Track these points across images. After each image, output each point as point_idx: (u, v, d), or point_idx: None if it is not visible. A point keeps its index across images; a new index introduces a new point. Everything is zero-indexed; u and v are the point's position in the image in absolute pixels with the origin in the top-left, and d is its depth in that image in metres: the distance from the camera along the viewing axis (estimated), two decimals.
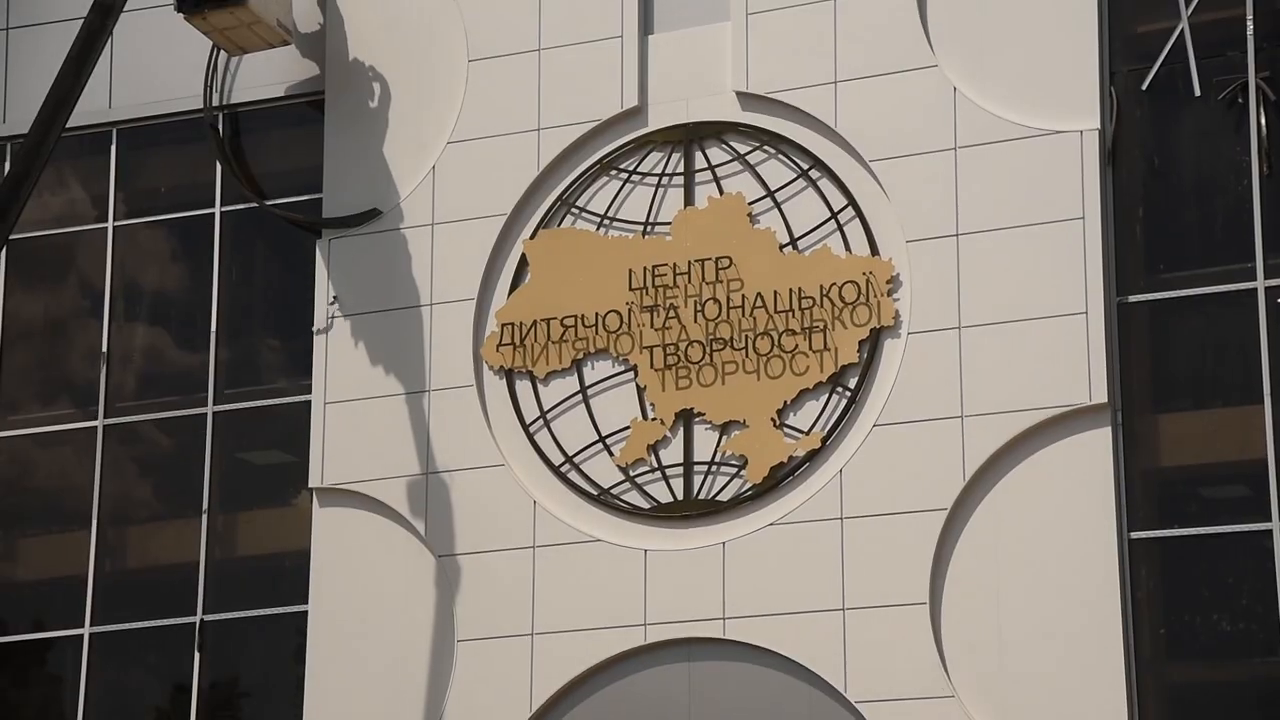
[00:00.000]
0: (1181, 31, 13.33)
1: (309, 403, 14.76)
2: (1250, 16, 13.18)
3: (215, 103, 15.44)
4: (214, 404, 15.20)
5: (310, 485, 14.67)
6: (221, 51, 15.31)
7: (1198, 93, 13.27)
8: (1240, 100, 13.17)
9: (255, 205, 15.30)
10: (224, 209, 15.51)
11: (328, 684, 14.30)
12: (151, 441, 15.46)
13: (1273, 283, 12.96)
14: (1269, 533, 12.68)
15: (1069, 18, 13.46)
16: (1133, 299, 13.22)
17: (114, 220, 15.84)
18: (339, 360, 14.77)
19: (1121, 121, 13.37)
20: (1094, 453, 12.94)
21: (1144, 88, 13.41)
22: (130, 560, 15.37)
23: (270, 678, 14.77)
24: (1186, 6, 13.36)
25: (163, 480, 15.37)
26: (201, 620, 14.79)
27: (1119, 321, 13.14)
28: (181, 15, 14.68)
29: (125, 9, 13.94)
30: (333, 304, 14.65)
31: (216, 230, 15.51)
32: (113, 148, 15.87)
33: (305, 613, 14.47)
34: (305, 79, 15.36)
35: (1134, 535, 12.91)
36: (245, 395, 15.19)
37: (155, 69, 15.67)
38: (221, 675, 14.88)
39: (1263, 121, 13.07)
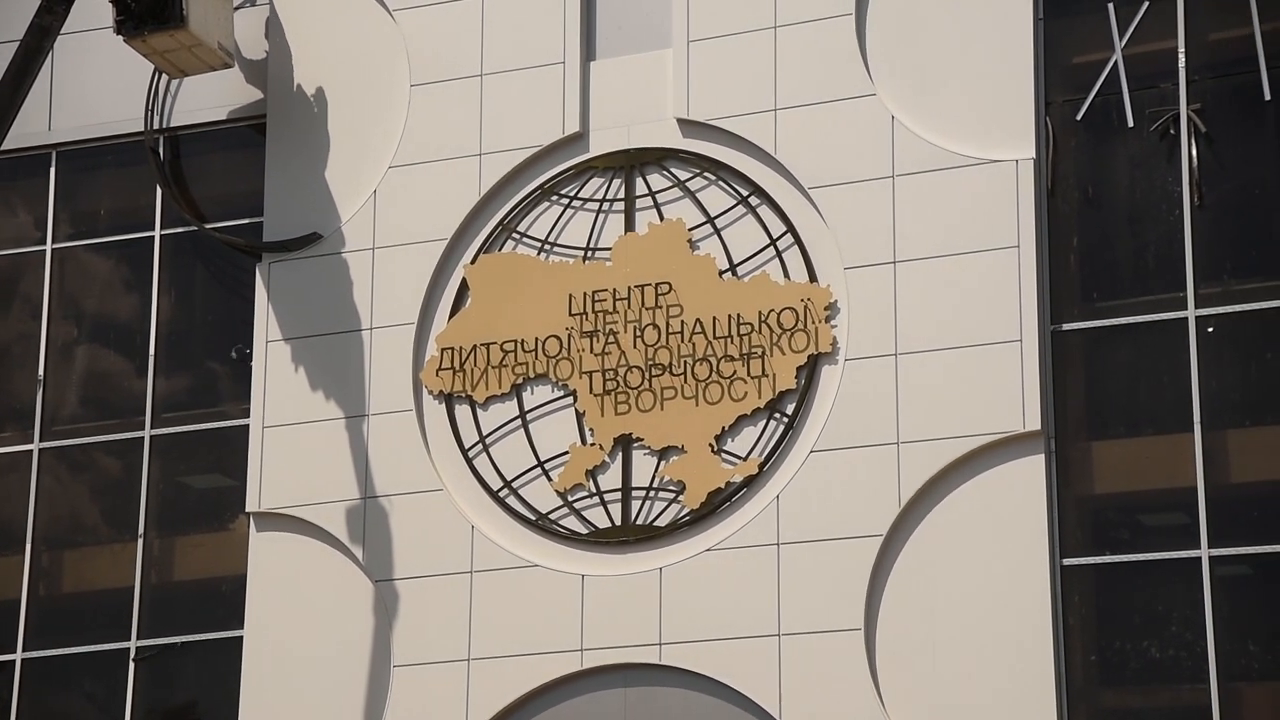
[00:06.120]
0: (1115, 63, 13.50)
1: (248, 426, 14.72)
2: (1182, 49, 13.36)
3: (156, 125, 15.40)
4: (151, 427, 15.13)
5: (247, 509, 14.62)
6: (162, 74, 15.29)
7: (1131, 124, 13.42)
8: (1172, 131, 13.33)
9: (195, 228, 15.27)
10: (164, 232, 15.48)
11: (263, 709, 14.22)
12: (89, 465, 15.37)
13: (1204, 312, 13.10)
14: (1199, 560, 12.79)
15: (1006, 48, 13.60)
16: (1066, 327, 13.33)
17: (53, 243, 15.77)
18: (278, 384, 14.73)
19: (1056, 151, 13.51)
20: (1027, 479, 13.03)
21: (1079, 118, 13.56)
22: (65, 584, 15.27)
23: (206, 703, 14.68)
24: (1120, 38, 13.53)
25: (99, 504, 15.28)
26: (135, 645, 14.73)
27: (1053, 349, 13.25)
28: (121, 38, 14.65)
29: (64, 31, 13.93)
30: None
31: (156, 253, 15.47)
32: (52, 170, 15.81)
33: (241, 638, 14.39)
34: (247, 102, 15.35)
35: (1066, 561, 12.99)
36: (184, 419, 15.13)
37: (95, 91, 15.64)
38: (157, 701, 14.78)
39: (1194, 153, 13.23)
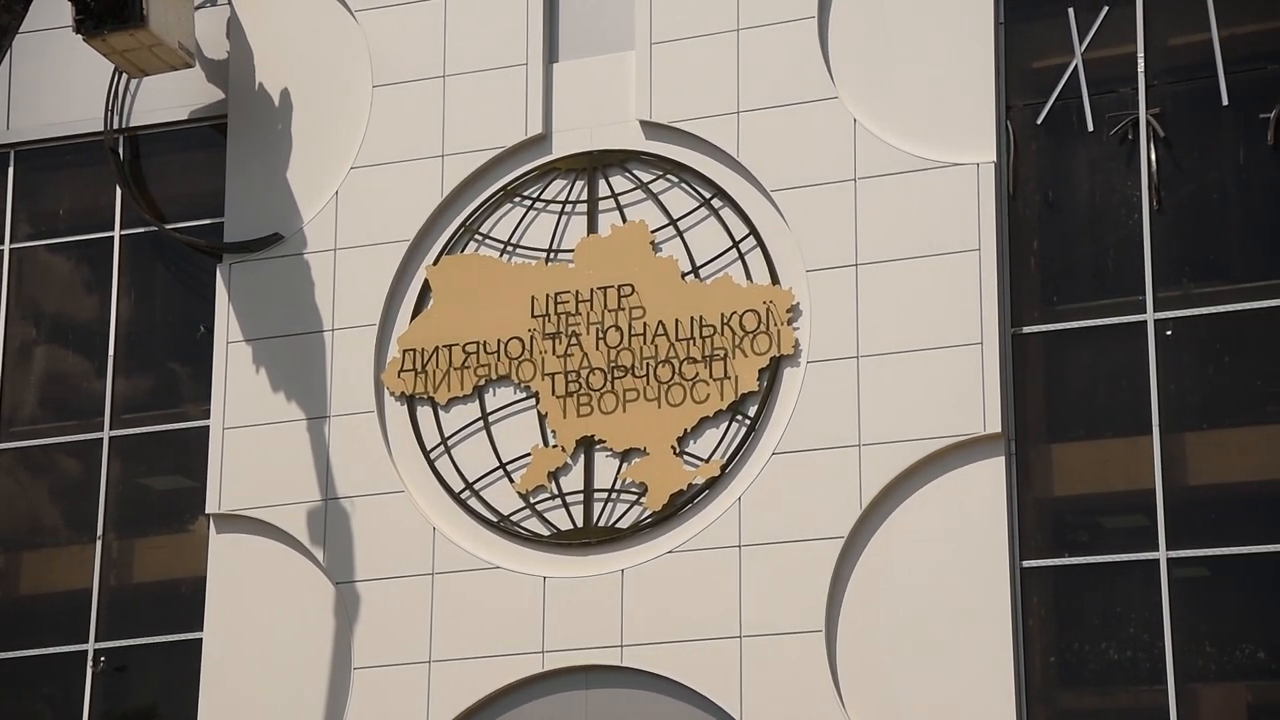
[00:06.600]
0: (1075, 67, 13.58)
1: (208, 428, 14.66)
2: (1141, 54, 13.46)
3: (116, 125, 15.33)
4: (110, 428, 15.06)
5: (207, 511, 14.57)
6: (122, 74, 15.22)
7: (1091, 128, 13.51)
8: (1131, 135, 13.42)
9: (155, 229, 15.20)
10: (124, 232, 15.40)
11: (223, 712, 14.17)
12: (48, 466, 15.27)
13: (1162, 315, 13.19)
14: (1157, 562, 12.88)
15: (967, 52, 13.66)
16: (1027, 330, 13.40)
17: (11, 243, 15.68)
18: (238, 385, 14.68)
19: (1017, 155, 13.58)
20: (988, 482, 13.08)
21: (1039, 122, 13.63)
22: (23, 586, 15.18)
23: (165, 706, 14.62)
24: (1080, 43, 13.61)
25: (58, 505, 15.19)
26: (95, 648, 14.65)
27: (1013, 352, 13.32)
28: (81, 37, 14.57)
29: (22, 30, 13.85)
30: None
31: (116, 254, 15.40)
32: (10, 169, 15.72)
33: (200, 640, 14.33)
34: (209, 102, 15.30)
35: (1026, 563, 13.06)
36: (144, 420, 15.06)
37: (54, 90, 15.56)
38: (115, 703, 14.70)
39: (1153, 157, 13.32)
